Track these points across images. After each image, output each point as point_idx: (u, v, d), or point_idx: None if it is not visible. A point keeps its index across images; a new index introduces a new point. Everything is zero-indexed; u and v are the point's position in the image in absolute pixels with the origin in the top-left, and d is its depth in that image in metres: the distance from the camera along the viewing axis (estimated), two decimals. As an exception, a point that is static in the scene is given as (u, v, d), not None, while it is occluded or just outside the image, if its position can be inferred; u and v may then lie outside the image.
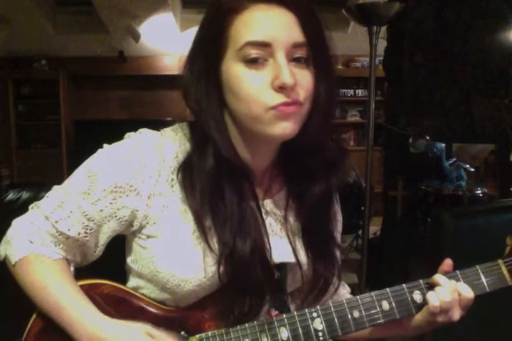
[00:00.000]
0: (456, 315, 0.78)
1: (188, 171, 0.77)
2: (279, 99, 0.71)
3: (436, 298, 0.77)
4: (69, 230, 0.79)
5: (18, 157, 5.83)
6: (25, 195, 1.15)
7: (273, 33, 0.71)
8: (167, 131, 0.83)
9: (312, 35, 0.73)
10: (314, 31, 0.74)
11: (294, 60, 0.73)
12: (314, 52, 0.74)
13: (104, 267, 0.84)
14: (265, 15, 0.72)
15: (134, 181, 0.77)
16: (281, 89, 0.71)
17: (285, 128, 0.73)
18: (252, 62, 0.71)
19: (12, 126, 5.76)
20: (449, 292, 0.77)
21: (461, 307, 0.79)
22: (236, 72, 0.72)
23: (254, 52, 0.71)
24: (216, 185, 0.77)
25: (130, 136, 0.82)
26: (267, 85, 0.71)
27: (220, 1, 0.74)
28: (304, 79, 0.73)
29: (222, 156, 0.76)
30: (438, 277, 0.80)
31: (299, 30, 0.72)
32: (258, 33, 0.71)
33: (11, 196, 1.17)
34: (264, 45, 0.71)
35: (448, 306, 0.77)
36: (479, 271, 0.82)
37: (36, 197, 0.86)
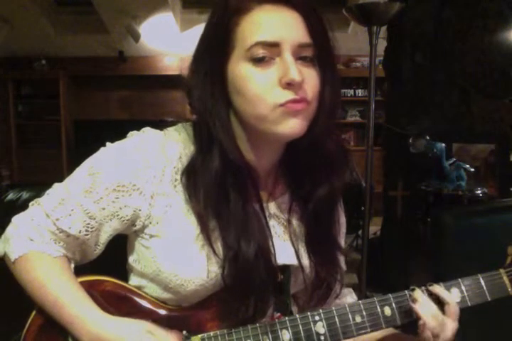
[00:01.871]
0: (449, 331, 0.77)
1: (192, 174, 0.77)
2: (287, 96, 0.71)
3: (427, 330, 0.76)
4: (70, 228, 0.79)
5: (18, 157, 5.83)
6: (25, 194, 1.15)
7: (281, 33, 0.71)
8: (170, 130, 0.83)
9: (318, 36, 0.74)
10: (319, 32, 0.75)
11: (300, 58, 0.73)
12: (320, 52, 0.75)
13: (106, 266, 0.84)
14: (273, 15, 0.72)
15: (137, 180, 0.76)
16: (289, 86, 0.71)
17: (294, 125, 0.73)
18: (259, 62, 0.72)
19: (12, 126, 5.77)
20: (435, 321, 0.77)
21: (453, 319, 0.78)
22: (243, 72, 0.72)
23: (262, 52, 0.71)
24: (221, 186, 0.76)
25: (133, 135, 0.82)
26: (274, 83, 0.72)
27: (227, 2, 0.74)
28: (310, 78, 0.74)
29: (227, 158, 0.75)
30: (420, 300, 0.78)
31: (305, 30, 0.73)
32: (267, 34, 0.71)
33: (11, 196, 1.17)
34: (273, 45, 0.71)
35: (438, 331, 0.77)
36: (481, 279, 0.82)
37: (37, 197, 0.86)
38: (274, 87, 0.72)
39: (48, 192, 0.83)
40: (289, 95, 0.71)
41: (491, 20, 2.95)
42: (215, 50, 0.75)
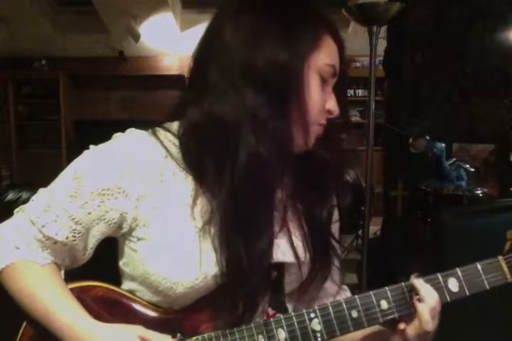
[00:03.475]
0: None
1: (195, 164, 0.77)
2: (324, 119, 0.80)
3: (427, 310, 0.76)
4: (56, 234, 0.77)
5: (18, 157, 5.83)
6: (25, 195, 1.15)
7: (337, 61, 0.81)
8: (156, 130, 0.81)
9: (343, 64, 0.83)
10: (345, 59, 0.84)
11: None
12: (339, 78, 0.82)
13: (99, 271, 0.83)
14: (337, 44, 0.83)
15: (122, 182, 0.75)
16: (327, 112, 0.80)
17: (311, 143, 0.80)
18: (324, 82, 0.79)
19: (12, 126, 5.77)
20: (434, 300, 0.77)
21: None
22: (311, 82, 0.77)
23: (328, 75, 0.79)
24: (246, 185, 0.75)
25: (117, 137, 0.80)
26: (323, 104, 0.79)
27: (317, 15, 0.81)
28: None
29: (258, 155, 0.75)
30: (420, 286, 0.79)
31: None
32: (334, 59, 0.80)
33: (10, 196, 1.16)
34: (334, 75, 0.81)
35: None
36: (479, 268, 0.81)
37: (36, 198, 0.85)
38: (322, 107, 0.79)
39: (32, 198, 0.81)
40: (324, 119, 0.80)
41: (491, 20, 2.95)
42: (302, 43, 0.76)
